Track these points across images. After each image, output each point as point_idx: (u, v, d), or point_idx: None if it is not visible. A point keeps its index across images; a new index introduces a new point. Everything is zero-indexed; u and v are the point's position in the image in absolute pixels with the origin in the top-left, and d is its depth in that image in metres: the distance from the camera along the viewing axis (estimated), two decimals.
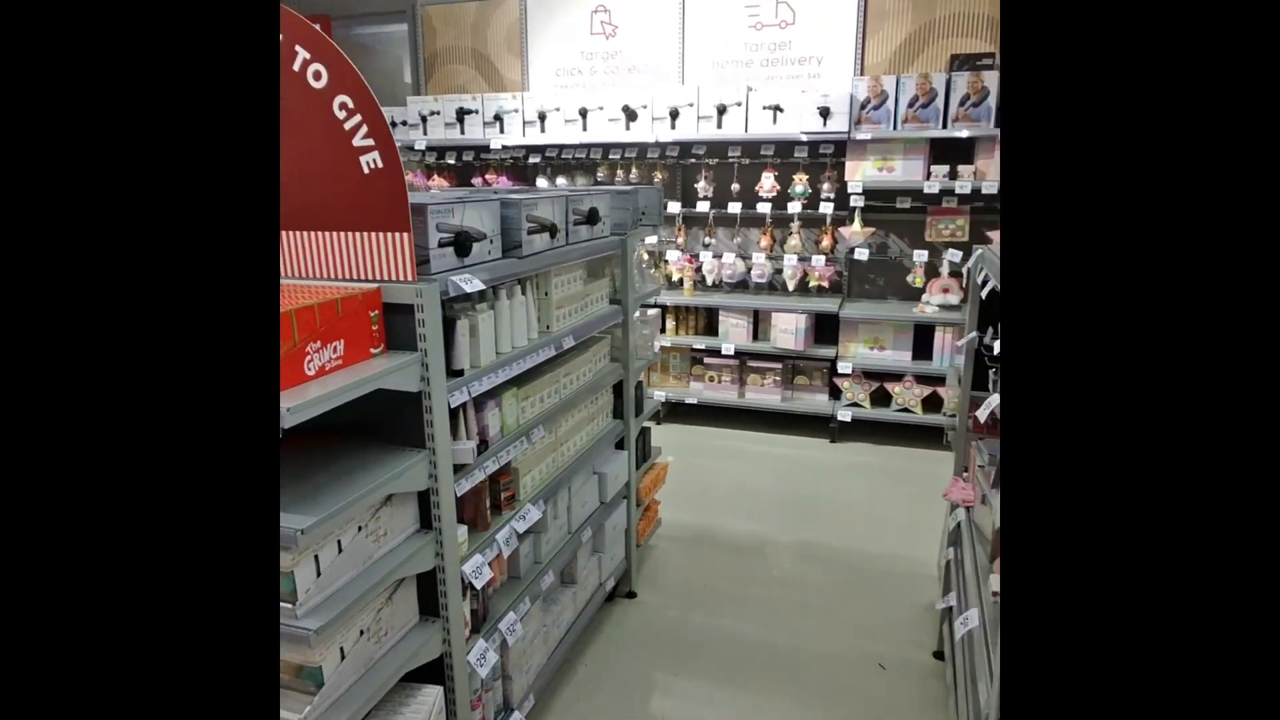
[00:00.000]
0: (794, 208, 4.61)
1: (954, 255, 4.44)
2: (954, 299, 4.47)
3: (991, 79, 4.09)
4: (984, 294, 1.85)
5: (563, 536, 2.33)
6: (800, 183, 4.58)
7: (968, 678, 1.79)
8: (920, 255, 4.50)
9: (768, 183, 4.65)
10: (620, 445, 2.79)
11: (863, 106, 4.30)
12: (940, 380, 4.50)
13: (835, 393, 4.75)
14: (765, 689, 2.44)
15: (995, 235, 4.24)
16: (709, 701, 2.39)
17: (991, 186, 4.15)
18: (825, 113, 4.29)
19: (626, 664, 2.55)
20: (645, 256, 4.66)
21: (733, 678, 2.50)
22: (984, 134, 4.17)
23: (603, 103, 4.73)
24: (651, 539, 3.25)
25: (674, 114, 4.59)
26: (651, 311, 3.17)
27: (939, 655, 2.59)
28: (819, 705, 2.37)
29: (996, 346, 2.11)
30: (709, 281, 4.94)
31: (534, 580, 2.11)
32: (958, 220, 4.46)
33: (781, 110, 4.39)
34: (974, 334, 2.22)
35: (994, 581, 1.73)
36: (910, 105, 4.21)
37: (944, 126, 4.19)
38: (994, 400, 1.61)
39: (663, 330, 4.93)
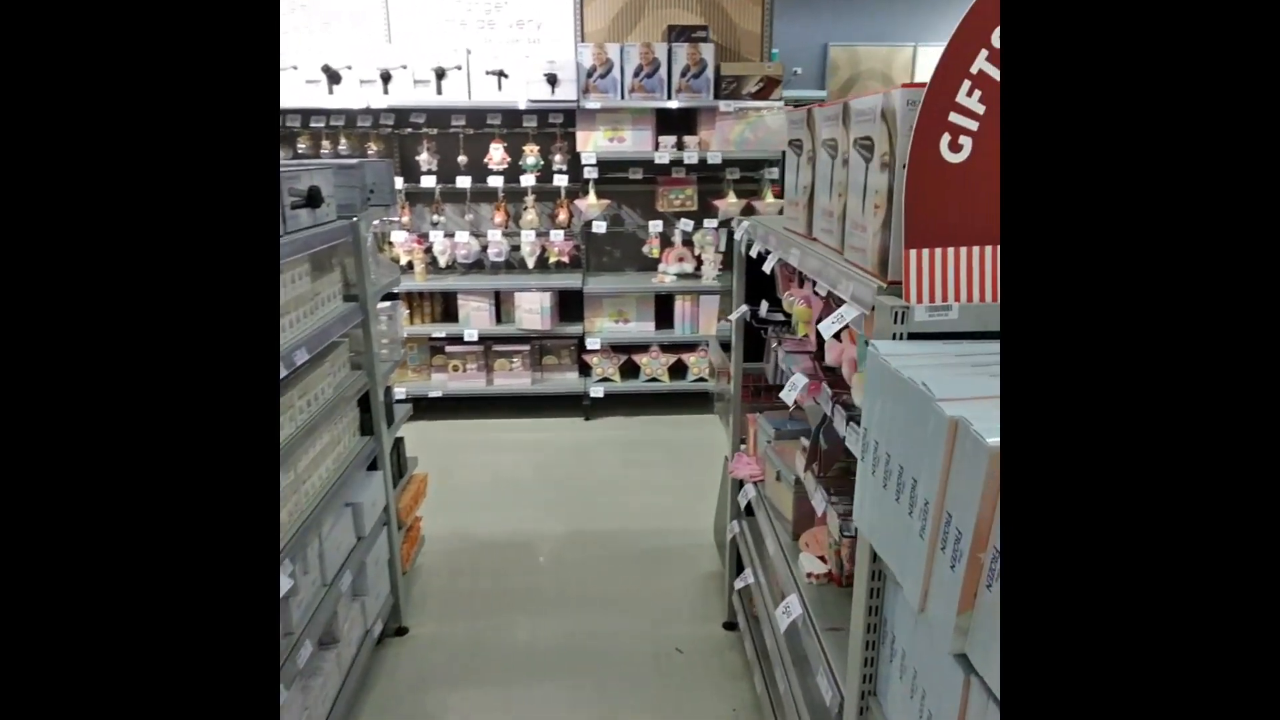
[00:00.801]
0: (527, 180, 4.37)
1: (686, 225, 4.54)
2: (689, 267, 4.59)
3: (708, 51, 4.19)
4: (767, 269, 1.80)
5: (317, 592, 1.91)
6: (531, 154, 4.35)
7: (786, 662, 1.76)
8: (655, 225, 4.53)
9: (497, 154, 4.35)
10: (374, 465, 2.38)
11: (589, 75, 4.17)
12: (684, 348, 4.62)
13: (585, 369, 4.66)
14: (564, 693, 2.26)
15: (720, 204, 4.42)
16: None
17: (715, 157, 4.29)
18: (553, 80, 4.10)
19: (408, 714, 2.21)
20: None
21: (527, 689, 2.28)
22: (704, 105, 4.27)
23: (297, 61, 4.05)
24: (417, 560, 2.89)
25: (385, 77, 4.07)
26: (386, 304, 2.75)
27: (730, 626, 2.61)
28: (624, 698, 2.25)
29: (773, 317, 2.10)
30: (442, 263, 4.53)
31: (288, 658, 1.69)
32: (686, 190, 4.56)
33: (506, 76, 4.10)
34: (745, 307, 2.19)
35: (805, 563, 1.71)
36: (636, 75, 4.17)
37: (669, 97, 4.22)
38: (799, 380, 1.55)
39: None
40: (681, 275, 4.58)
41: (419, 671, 2.39)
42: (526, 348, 4.53)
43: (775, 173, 4.56)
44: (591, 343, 4.50)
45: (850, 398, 1.37)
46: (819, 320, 1.61)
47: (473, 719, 2.20)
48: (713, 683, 2.35)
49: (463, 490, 3.61)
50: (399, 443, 2.66)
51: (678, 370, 4.64)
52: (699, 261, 4.58)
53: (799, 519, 1.84)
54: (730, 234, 4.59)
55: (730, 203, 4.43)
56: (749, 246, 2.12)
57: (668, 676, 2.37)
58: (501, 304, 4.57)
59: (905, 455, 0.92)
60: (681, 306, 4.59)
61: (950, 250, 1.02)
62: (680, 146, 4.30)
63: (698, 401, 4.74)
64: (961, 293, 1.03)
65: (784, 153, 4.43)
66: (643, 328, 4.62)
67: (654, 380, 4.61)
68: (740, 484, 2.33)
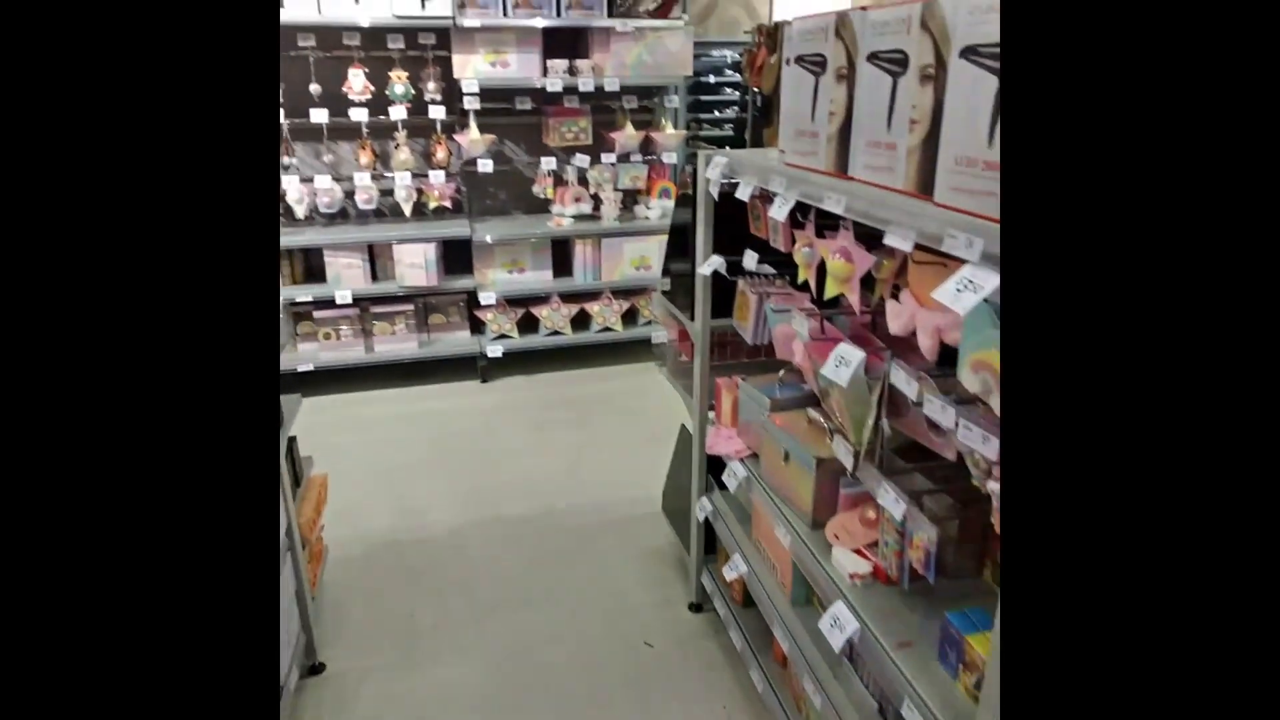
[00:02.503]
0: (397, 113, 3.76)
1: (581, 160, 4.11)
2: (586, 208, 4.19)
3: None
4: (780, 216, 1.48)
5: None
6: (400, 81, 3.73)
7: (820, 672, 1.54)
8: (546, 162, 4.07)
9: (358, 82, 3.69)
10: None
11: None
12: (586, 296, 4.26)
13: (477, 327, 4.20)
14: None
15: (617, 137, 4.02)
16: None
17: (613, 83, 3.86)
18: None
19: None
20: None
21: None
22: (597, 24, 3.82)
23: None
24: (322, 580, 2.42)
25: None
26: None
27: (695, 608, 2.38)
28: (598, 712, 1.98)
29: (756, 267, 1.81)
30: (299, 214, 3.85)
31: None
32: (580, 122, 4.11)
33: None
34: (719, 259, 1.88)
35: (843, 560, 1.47)
36: None
37: (558, 14, 3.73)
38: (852, 354, 1.27)
39: None
40: (579, 217, 4.17)
41: (346, 717, 1.99)
42: (410, 307, 4.00)
43: (675, 100, 4.21)
44: (485, 297, 4.03)
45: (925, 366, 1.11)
46: (863, 277, 1.33)
47: None
48: (695, 677, 2.12)
49: (352, 480, 3.11)
50: (291, 443, 2.16)
51: (581, 321, 4.28)
52: (596, 201, 4.19)
53: (819, 505, 1.59)
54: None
55: (629, 135, 4.05)
56: (726, 187, 1.79)
57: (640, 677, 2.11)
58: (376, 258, 3.97)
59: None
60: (581, 251, 4.20)
61: None
62: (573, 72, 3.83)
63: (605, 354, 4.42)
64: None
65: (685, 78, 4.07)
66: (540, 277, 4.20)
67: (556, 334, 4.23)
68: (714, 459, 2.05)
